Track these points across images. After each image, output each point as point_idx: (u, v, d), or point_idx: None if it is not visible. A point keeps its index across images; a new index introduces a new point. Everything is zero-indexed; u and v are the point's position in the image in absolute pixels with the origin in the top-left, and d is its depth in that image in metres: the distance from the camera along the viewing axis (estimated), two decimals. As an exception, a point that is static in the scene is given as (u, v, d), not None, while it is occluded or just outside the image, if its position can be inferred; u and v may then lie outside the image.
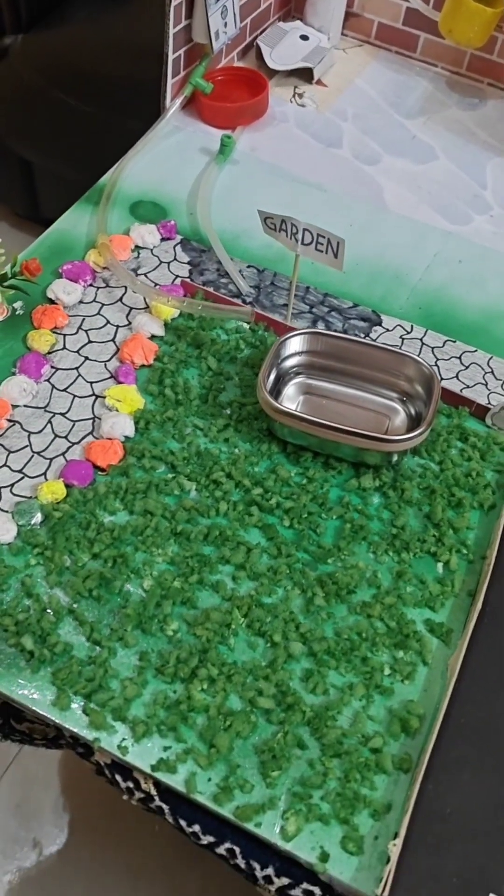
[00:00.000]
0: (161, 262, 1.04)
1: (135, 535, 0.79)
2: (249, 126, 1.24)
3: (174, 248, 1.05)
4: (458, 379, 0.96)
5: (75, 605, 0.74)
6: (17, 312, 0.94)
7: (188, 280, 1.01)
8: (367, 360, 0.90)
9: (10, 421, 0.86)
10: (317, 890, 0.65)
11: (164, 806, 0.68)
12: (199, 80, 1.18)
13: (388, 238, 1.12)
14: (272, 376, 0.88)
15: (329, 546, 0.80)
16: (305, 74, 1.33)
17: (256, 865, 0.66)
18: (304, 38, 1.34)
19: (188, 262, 1.04)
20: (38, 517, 0.79)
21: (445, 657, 0.75)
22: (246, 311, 0.92)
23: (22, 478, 0.82)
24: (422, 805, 0.66)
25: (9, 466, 0.83)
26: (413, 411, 0.90)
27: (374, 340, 0.98)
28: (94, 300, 0.98)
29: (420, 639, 0.75)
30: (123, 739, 0.68)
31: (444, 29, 1.27)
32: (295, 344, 0.90)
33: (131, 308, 0.98)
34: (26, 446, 0.85)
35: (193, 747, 0.68)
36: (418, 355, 0.95)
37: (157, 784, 0.68)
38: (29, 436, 0.86)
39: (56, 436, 0.86)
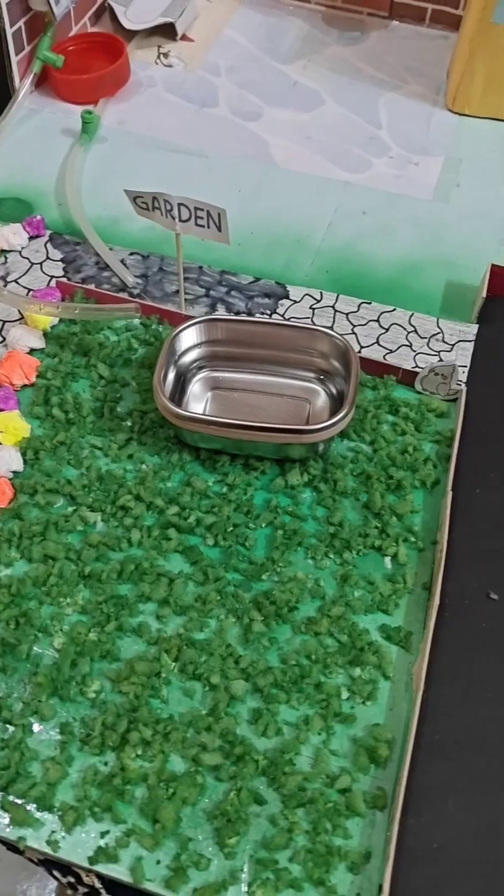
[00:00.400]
0: (32, 263, 0.92)
1: (37, 587, 0.69)
2: (113, 97, 1.11)
3: (45, 245, 0.94)
4: (379, 344, 0.86)
5: (-23, 682, 0.64)
6: None
7: (64, 280, 0.89)
8: (275, 342, 0.80)
9: None
10: None
11: (113, 900, 0.59)
12: (47, 53, 1.06)
13: (283, 199, 1.01)
14: (170, 377, 0.78)
15: (261, 560, 0.71)
16: (168, 31, 1.21)
17: None
18: (161, -9, 1.21)
19: (62, 260, 0.92)
20: None
21: (408, 666, 0.66)
22: (130, 307, 0.81)
23: None
24: (405, 845, 0.57)
25: None
26: (334, 390, 0.80)
27: (282, 317, 0.88)
28: (-40, 320, 0.86)
29: (377, 650, 0.66)
30: (53, 832, 0.58)
31: (309, -40, 1.16)
32: (190, 336, 0.79)
33: (3, 322, 0.86)
34: None
35: (135, 827, 0.59)
36: (331, 326, 0.85)
37: (101, 875, 0.58)
38: None
39: None
